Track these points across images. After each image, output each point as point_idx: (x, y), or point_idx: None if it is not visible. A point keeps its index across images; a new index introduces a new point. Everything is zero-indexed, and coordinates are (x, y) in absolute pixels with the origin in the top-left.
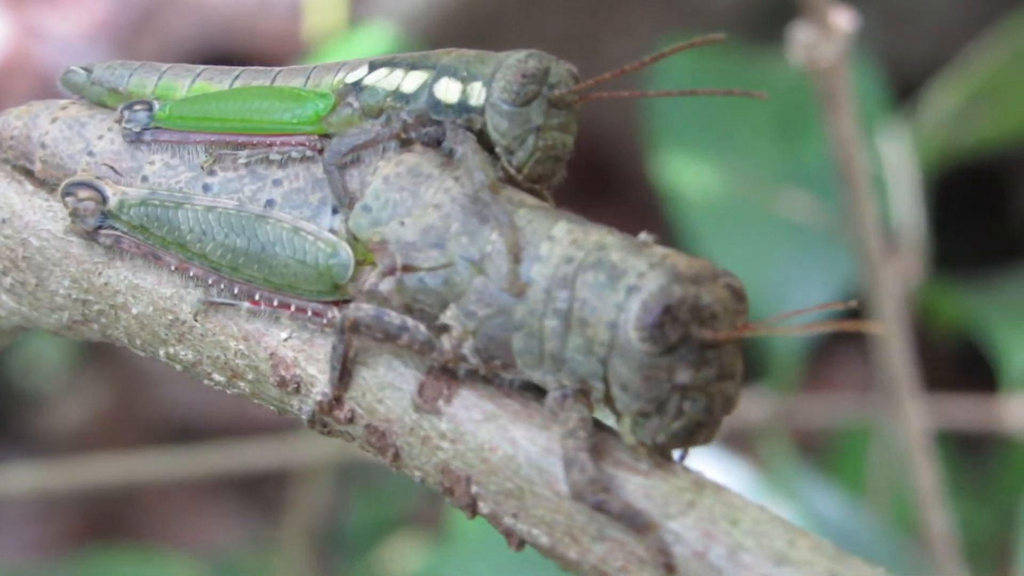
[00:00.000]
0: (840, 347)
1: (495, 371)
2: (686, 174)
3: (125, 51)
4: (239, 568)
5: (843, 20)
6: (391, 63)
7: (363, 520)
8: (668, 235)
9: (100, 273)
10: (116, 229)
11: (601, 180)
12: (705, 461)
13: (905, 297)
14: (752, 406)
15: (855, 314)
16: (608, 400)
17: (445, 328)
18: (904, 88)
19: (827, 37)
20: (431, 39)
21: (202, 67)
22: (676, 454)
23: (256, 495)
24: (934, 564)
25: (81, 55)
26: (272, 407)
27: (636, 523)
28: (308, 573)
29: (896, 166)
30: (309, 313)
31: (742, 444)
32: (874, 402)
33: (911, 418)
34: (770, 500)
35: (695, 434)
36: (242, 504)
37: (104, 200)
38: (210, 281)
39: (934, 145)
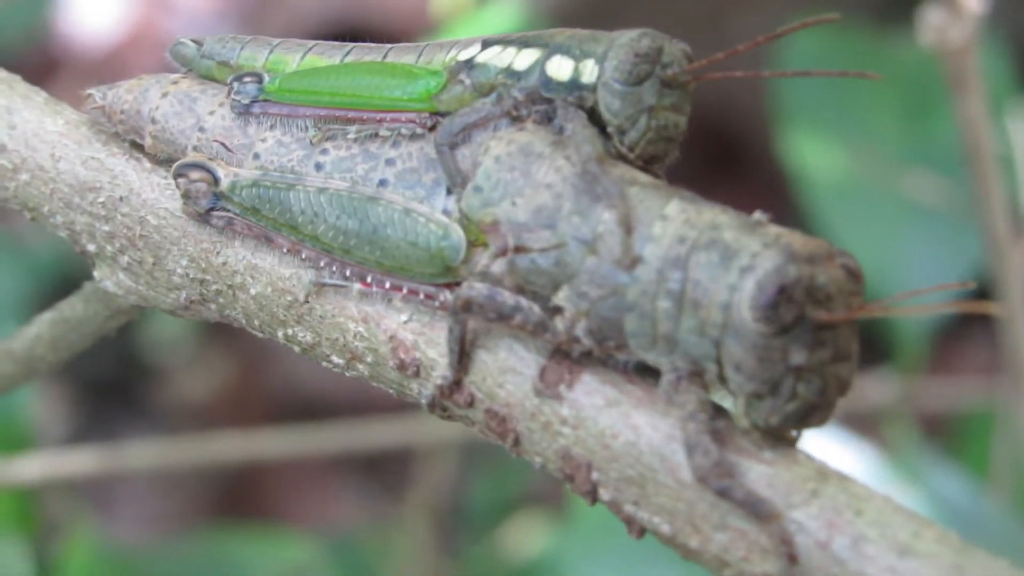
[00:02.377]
0: (966, 330)
1: (608, 352)
2: (813, 154)
3: (252, 26)
4: (361, 546)
5: (973, 2)
6: (504, 41)
7: (485, 499)
8: (794, 215)
9: (218, 253)
10: (228, 211)
11: (728, 159)
12: (829, 445)
13: None
14: (877, 389)
15: (978, 295)
16: (722, 382)
17: (558, 310)
18: None
19: (957, 19)
20: (558, 17)
21: (314, 42)
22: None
23: (378, 474)
24: None
25: (210, 29)
26: (391, 390)
27: (760, 511)
28: (430, 552)
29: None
30: (421, 295)
31: (867, 427)
32: (1000, 385)
33: None
34: (894, 484)
35: (809, 416)
36: (364, 483)
37: (216, 181)
38: (322, 263)
39: None
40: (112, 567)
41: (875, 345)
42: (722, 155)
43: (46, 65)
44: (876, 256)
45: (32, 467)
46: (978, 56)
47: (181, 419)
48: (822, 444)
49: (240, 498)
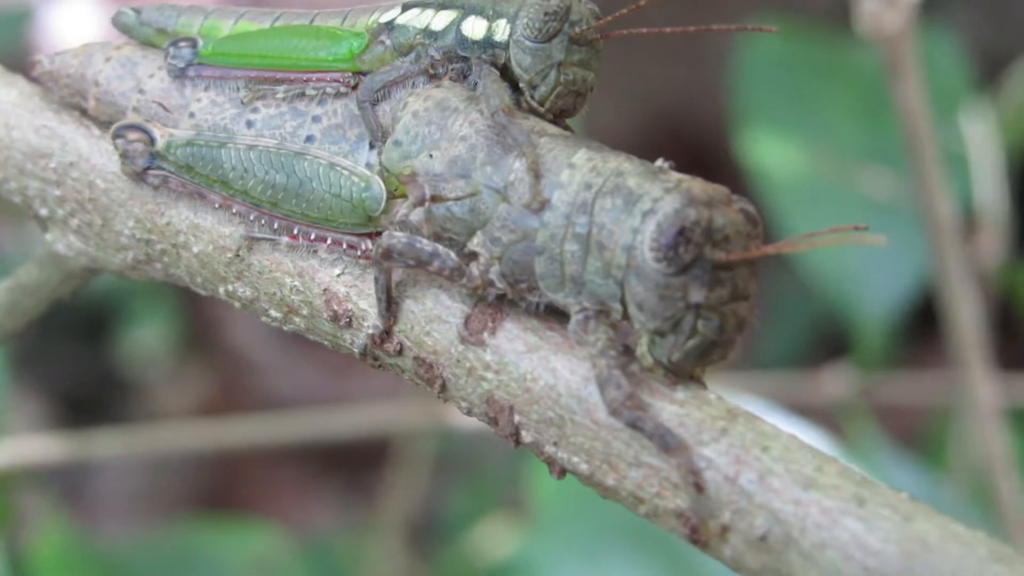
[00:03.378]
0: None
1: (521, 294)
2: (772, 153)
3: None
4: (332, 548)
5: None
6: (422, 4)
7: (458, 506)
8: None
9: (162, 214)
10: (164, 169)
11: (688, 158)
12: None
13: (984, 276)
14: (836, 383)
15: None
16: (626, 320)
17: (473, 255)
18: (994, 73)
19: (892, 5)
20: None
21: (245, 8)
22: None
23: (353, 484)
24: (1007, 536)
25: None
26: (326, 342)
27: (668, 442)
28: (402, 555)
29: (979, 145)
30: (344, 246)
31: (826, 421)
32: (953, 380)
33: (984, 394)
34: None
35: (708, 352)
36: (339, 492)
37: (152, 141)
38: (252, 217)
39: (1019, 126)
40: (82, 559)
41: (838, 340)
42: (683, 155)
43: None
44: (834, 252)
45: (3, 453)
46: (914, 43)
47: None
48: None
49: (214, 494)
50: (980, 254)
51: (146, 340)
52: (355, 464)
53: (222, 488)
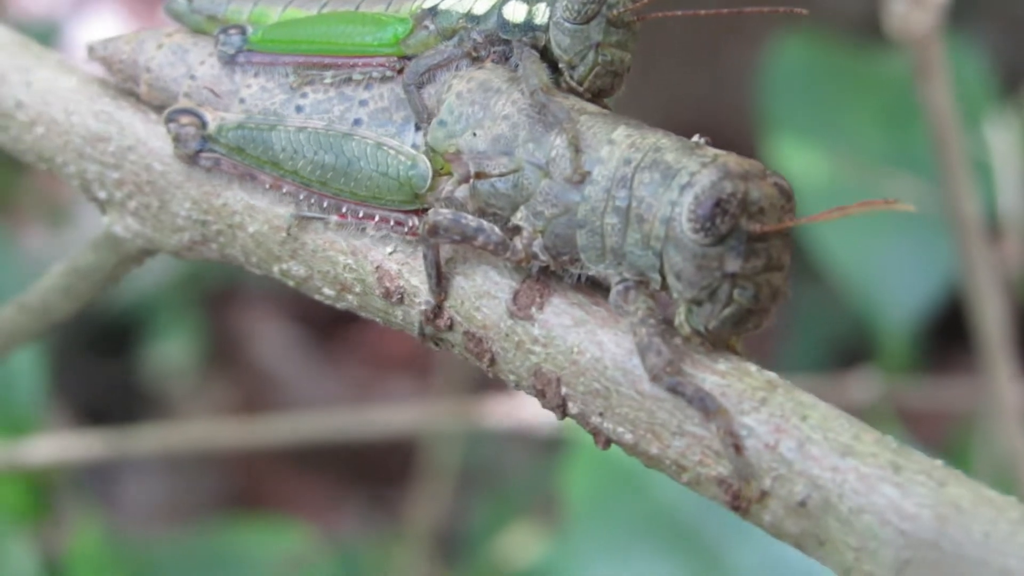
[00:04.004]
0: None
1: (563, 266)
2: (796, 159)
3: None
4: (359, 554)
5: None
6: None
7: (483, 517)
8: None
9: (219, 195)
10: (215, 152)
11: None
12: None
13: (1009, 282)
14: (862, 388)
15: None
16: (664, 290)
17: (517, 229)
18: (1015, 86)
19: (921, 7)
20: None
21: None
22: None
23: (381, 493)
24: None
25: None
26: (378, 319)
27: (707, 406)
28: (426, 564)
29: (1003, 153)
30: (392, 222)
31: None
32: (978, 385)
33: (1009, 398)
34: None
35: (744, 320)
36: (367, 502)
37: (204, 125)
38: (301, 196)
39: None
40: (116, 558)
41: (856, 346)
42: None
43: None
44: (858, 259)
45: (37, 451)
46: (943, 45)
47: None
48: None
49: (240, 499)
50: (1004, 260)
51: (171, 354)
52: (379, 473)
53: (248, 493)
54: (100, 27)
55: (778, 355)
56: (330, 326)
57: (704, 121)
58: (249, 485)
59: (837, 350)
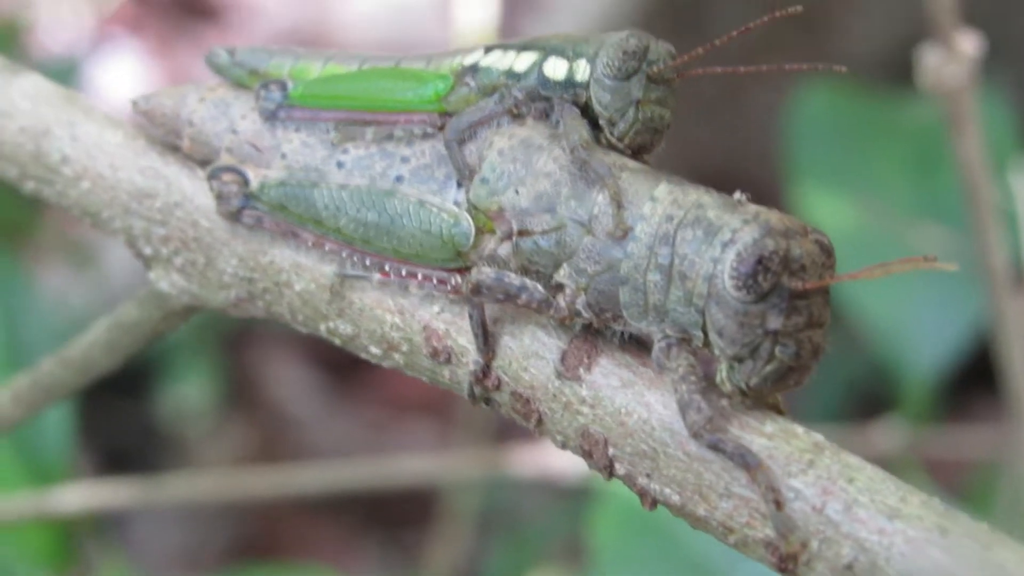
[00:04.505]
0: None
1: (606, 323)
2: (822, 207)
3: None
4: None
5: (970, 44)
6: (504, 46)
7: (502, 563)
8: None
9: (265, 252)
10: (258, 209)
11: None
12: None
13: None
14: (885, 437)
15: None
16: (707, 348)
17: (560, 287)
18: None
19: (954, 60)
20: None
21: (333, 51)
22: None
23: (398, 539)
24: None
25: None
26: (424, 377)
27: (748, 461)
28: None
29: None
30: (435, 281)
31: None
32: (1005, 434)
33: None
34: None
35: (786, 378)
36: (383, 548)
37: (246, 182)
38: (344, 255)
39: None
40: None
41: (886, 394)
42: None
43: None
44: (884, 307)
45: (65, 499)
46: (975, 98)
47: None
48: None
49: (255, 547)
50: None
51: (188, 395)
52: (398, 519)
53: (266, 539)
54: (119, 65)
55: (795, 401)
56: (347, 368)
57: (729, 168)
58: (267, 531)
59: (855, 396)
